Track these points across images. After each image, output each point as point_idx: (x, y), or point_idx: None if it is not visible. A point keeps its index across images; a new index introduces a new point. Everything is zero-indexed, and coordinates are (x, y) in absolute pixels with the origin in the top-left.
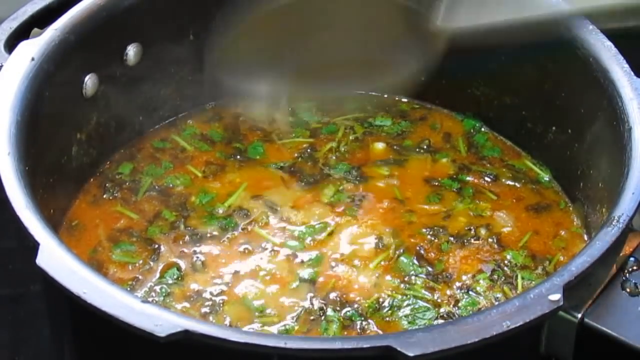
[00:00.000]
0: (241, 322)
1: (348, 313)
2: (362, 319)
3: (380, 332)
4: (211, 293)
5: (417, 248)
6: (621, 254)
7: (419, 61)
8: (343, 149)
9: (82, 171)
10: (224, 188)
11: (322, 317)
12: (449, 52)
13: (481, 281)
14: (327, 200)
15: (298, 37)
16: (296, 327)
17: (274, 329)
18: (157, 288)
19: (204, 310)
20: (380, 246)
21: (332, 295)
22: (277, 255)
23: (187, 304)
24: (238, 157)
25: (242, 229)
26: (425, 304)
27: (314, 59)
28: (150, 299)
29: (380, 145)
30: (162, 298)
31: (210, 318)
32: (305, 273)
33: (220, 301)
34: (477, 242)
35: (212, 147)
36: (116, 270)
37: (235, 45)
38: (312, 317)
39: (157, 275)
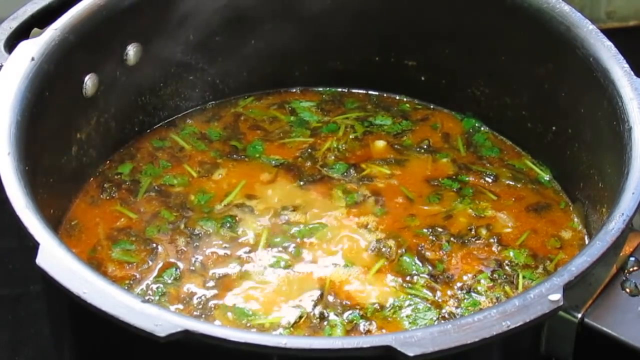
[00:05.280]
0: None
1: (350, 316)
2: (365, 320)
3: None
4: (204, 296)
5: (419, 248)
6: (621, 254)
7: None
8: (342, 148)
9: (82, 171)
10: (220, 187)
11: (325, 323)
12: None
13: (482, 281)
14: (334, 202)
15: None
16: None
17: None
18: (154, 287)
19: (195, 313)
20: (382, 246)
21: (331, 299)
22: (274, 257)
23: (180, 306)
24: (235, 156)
25: (240, 230)
26: (426, 304)
27: None
28: (146, 298)
29: (380, 143)
30: (157, 297)
31: None
32: (304, 276)
33: (212, 305)
34: (478, 242)
35: (209, 146)
36: (115, 268)
37: None
38: (311, 323)
39: (155, 274)
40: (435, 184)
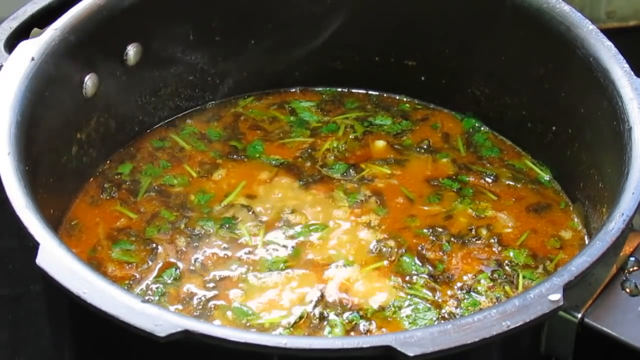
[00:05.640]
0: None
1: (350, 316)
2: (365, 320)
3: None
4: (204, 296)
5: (419, 248)
6: (621, 254)
7: None
8: (342, 148)
9: (82, 171)
10: (220, 188)
11: (325, 323)
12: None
13: (482, 281)
14: (335, 202)
15: None
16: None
17: None
18: (154, 287)
19: (195, 314)
20: (382, 247)
21: (332, 299)
22: (274, 257)
23: (179, 306)
24: (234, 156)
25: (240, 230)
26: (426, 304)
27: None
28: (146, 298)
29: (380, 143)
30: (157, 298)
31: None
32: (304, 276)
33: (212, 305)
34: (478, 242)
35: (209, 146)
36: (115, 268)
37: None
38: (311, 323)
39: (155, 274)
40: (435, 184)
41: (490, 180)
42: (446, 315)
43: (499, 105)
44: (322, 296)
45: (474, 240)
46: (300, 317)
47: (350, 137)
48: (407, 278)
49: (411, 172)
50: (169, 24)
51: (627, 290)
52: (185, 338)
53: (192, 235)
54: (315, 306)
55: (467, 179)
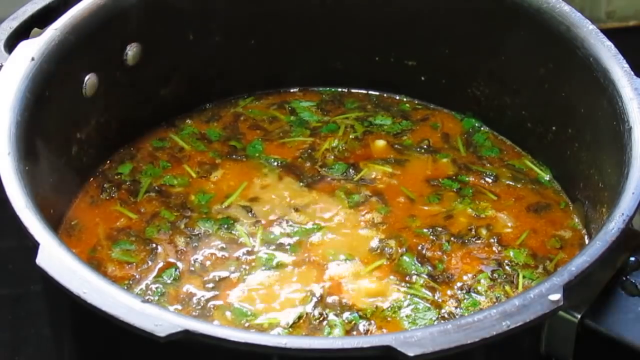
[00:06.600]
0: None
1: (349, 316)
2: (364, 320)
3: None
4: (203, 296)
5: (419, 248)
6: (621, 254)
7: None
8: (342, 148)
9: (82, 171)
10: (220, 188)
11: (325, 323)
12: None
13: (482, 281)
14: (335, 202)
15: None
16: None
17: None
18: (154, 287)
19: (194, 314)
20: (383, 246)
21: (331, 299)
22: (273, 257)
23: (179, 306)
24: (234, 156)
25: (239, 230)
26: (426, 304)
27: None
28: (146, 298)
29: (380, 143)
30: (156, 297)
31: None
32: (303, 276)
33: (211, 306)
34: (478, 242)
35: (208, 146)
36: (115, 268)
37: None
38: (310, 324)
39: (154, 274)
40: (435, 184)
41: (490, 180)
42: (446, 315)
43: (499, 105)
44: (322, 296)
45: (473, 240)
46: (300, 317)
47: (350, 137)
48: (407, 278)
49: (411, 172)
50: (169, 24)
51: (627, 290)
52: (185, 338)
53: (191, 235)
54: (314, 306)
55: (467, 179)
